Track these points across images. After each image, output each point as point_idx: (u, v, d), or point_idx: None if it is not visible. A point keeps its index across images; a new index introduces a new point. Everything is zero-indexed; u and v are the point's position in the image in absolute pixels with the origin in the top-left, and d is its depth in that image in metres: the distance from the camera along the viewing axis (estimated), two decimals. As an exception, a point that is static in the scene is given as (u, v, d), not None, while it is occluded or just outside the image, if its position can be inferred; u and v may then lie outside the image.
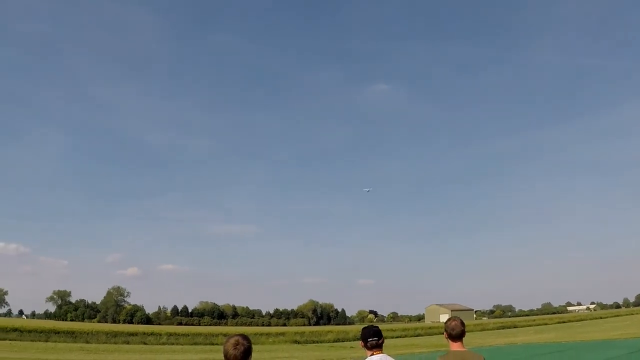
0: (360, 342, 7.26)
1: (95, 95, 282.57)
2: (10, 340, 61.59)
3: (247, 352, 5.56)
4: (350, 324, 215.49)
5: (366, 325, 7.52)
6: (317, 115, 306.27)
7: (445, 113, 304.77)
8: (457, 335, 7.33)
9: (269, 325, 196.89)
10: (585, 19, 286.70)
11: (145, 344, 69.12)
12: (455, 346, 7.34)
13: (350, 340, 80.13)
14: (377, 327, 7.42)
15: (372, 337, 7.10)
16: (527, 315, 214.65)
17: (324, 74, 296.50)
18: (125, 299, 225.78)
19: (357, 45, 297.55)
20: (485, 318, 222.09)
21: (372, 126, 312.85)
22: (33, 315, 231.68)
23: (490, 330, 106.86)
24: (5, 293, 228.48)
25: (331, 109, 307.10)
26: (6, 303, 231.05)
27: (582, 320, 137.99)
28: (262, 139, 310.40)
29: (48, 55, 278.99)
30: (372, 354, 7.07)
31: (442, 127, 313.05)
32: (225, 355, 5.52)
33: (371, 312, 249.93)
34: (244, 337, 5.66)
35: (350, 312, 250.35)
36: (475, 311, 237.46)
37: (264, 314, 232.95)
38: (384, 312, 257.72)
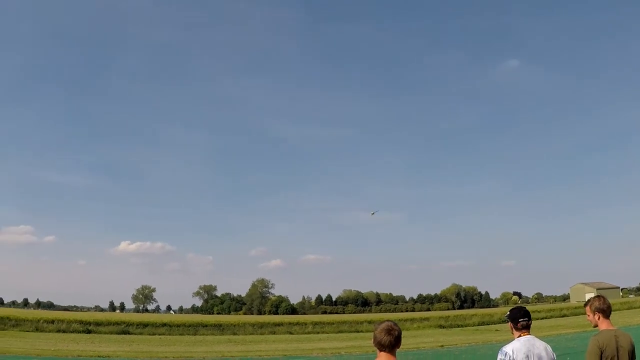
0: (509, 323, 7.13)
1: (229, 93, 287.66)
2: (159, 334, 63.00)
3: (400, 337, 5.65)
4: (494, 306, 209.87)
5: (515, 306, 7.44)
6: (448, 96, 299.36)
7: (578, 84, 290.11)
8: (607, 313, 7.12)
9: (413, 310, 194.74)
10: None
11: (291, 333, 69.08)
12: (604, 324, 7.09)
13: (494, 323, 77.35)
14: (526, 307, 7.27)
15: (523, 318, 6.99)
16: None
17: (451, 53, 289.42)
18: (269, 290, 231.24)
19: (482, 22, 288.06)
20: (632, 296, 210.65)
21: (505, 103, 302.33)
22: (181, 310, 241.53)
23: (638, 308, 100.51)
24: (153, 290, 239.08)
25: (462, 89, 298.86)
26: (154, 300, 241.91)
27: None
28: (395, 124, 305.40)
29: (179, 58, 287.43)
30: (520, 336, 6.93)
31: (576, 98, 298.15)
32: (380, 342, 5.59)
33: (515, 293, 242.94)
34: (394, 323, 5.73)
35: (494, 295, 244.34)
36: (622, 289, 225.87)
37: (407, 299, 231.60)
38: (528, 293, 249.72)
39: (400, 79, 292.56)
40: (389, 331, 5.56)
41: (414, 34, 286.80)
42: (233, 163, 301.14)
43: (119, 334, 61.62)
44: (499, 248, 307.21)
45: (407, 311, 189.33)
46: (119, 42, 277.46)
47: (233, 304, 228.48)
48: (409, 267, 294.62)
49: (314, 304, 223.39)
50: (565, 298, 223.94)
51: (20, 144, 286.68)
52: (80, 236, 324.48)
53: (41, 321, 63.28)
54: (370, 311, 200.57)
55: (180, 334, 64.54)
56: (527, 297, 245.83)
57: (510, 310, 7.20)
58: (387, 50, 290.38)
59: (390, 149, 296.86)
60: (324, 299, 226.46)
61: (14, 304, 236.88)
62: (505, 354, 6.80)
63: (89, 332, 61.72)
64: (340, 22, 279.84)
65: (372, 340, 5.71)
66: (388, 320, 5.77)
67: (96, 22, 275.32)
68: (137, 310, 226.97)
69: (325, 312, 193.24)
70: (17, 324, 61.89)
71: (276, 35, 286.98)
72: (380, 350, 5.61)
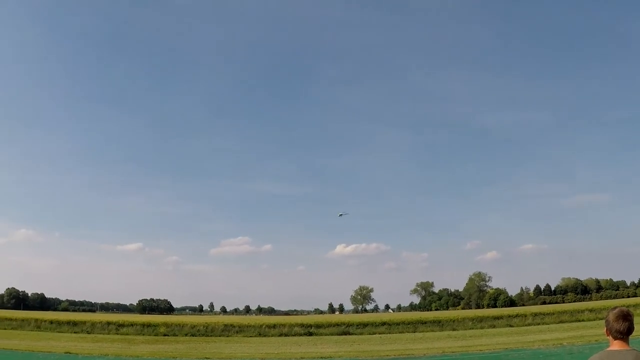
0: None
1: (428, 88, 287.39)
2: (379, 333, 63.46)
3: (633, 323, 5.34)
4: None
5: None
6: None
7: None
8: None
9: (635, 295, 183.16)
10: None
11: (510, 326, 67.18)
12: None
13: None
14: None
15: None
16: None
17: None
18: (487, 283, 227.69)
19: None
20: None
21: None
22: (399, 308, 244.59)
23: None
24: (371, 290, 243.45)
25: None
26: (372, 299, 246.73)
27: None
28: (598, 100, 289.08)
29: (375, 59, 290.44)
30: None
31: None
32: (617, 330, 5.26)
33: None
34: (627, 309, 5.43)
35: None
36: None
37: (628, 284, 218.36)
38: None
39: (595, 52, 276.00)
40: (625, 317, 5.29)
41: (601, 5, 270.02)
42: (440, 157, 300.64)
43: (339, 334, 62.87)
44: None
45: (629, 297, 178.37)
46: (317, 49, 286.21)
47: (451, 299, 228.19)
48: (629, 250, 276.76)
49: (532, 295, 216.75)
50: None
51: (234, 158, 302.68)
52: (296, 243, 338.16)
53: (263, 326, 66.03)
54: (590, 299, 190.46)
55: (399, 332, 64.68)
56: None
57: None
58: (581, 24, 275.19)
59: (596, 127, 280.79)
60: (542, 289, 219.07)
61: (236, 311, 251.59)
62: None
63: (310, 334, 63.47)
64: (531, 3, 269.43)
65: (606, 328, 5.44)
66: (619, 306, 5.51)
67: (295, 32, 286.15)
68: (355, 311, 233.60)
69: (544, 303, 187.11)
70: (241, 330, 65.07)
71: (466, 24, 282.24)
72: (615, 338, 5.33)
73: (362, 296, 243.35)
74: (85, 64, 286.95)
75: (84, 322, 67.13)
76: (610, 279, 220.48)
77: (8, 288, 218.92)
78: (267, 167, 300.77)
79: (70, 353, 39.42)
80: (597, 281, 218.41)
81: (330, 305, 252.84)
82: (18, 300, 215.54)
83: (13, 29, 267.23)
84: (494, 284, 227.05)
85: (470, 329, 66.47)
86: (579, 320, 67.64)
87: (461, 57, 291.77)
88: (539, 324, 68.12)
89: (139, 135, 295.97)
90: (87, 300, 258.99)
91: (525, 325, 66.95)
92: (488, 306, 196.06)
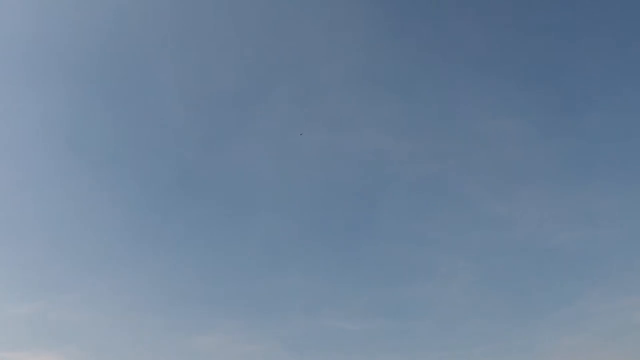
0: None
1: (495, 213, 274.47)
2: None
3: None
4: None
5: None
6: None
7: None
8: None
9: None
10: None
11: None
12: None
13: None
14: None
15: None
16: None
17: None
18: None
19: None
20: None
21: None
22: None
23: None
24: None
25: None
26: None
27: None
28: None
29: (439, 189, 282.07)
30: None
31: None
32: None
33: None
34: None
35: None
36: None
37: None
38: None
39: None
40: None
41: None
42: (508, 282, 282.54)
43: None
44: None
45: None
46: (382, 182, 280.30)
47: None
48: None
49: None
50: None
51: (302, 296, 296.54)
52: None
53: None
54: None
55: None
56: None
57: None
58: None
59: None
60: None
61: None
62: None
63: None
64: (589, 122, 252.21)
65: None
66: None
67: (360, 168, 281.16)
68: None
69: None
70: None
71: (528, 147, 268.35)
72: None
73: None
74: (152, 211, 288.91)
75: None
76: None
77: None
78: (336, 303, 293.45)
79: None
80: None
81: None
82: None
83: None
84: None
85: None
86: None
87: (527, 177, 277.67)
88: None
89: (207, 279, 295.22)
90: None
91: None
92: None
